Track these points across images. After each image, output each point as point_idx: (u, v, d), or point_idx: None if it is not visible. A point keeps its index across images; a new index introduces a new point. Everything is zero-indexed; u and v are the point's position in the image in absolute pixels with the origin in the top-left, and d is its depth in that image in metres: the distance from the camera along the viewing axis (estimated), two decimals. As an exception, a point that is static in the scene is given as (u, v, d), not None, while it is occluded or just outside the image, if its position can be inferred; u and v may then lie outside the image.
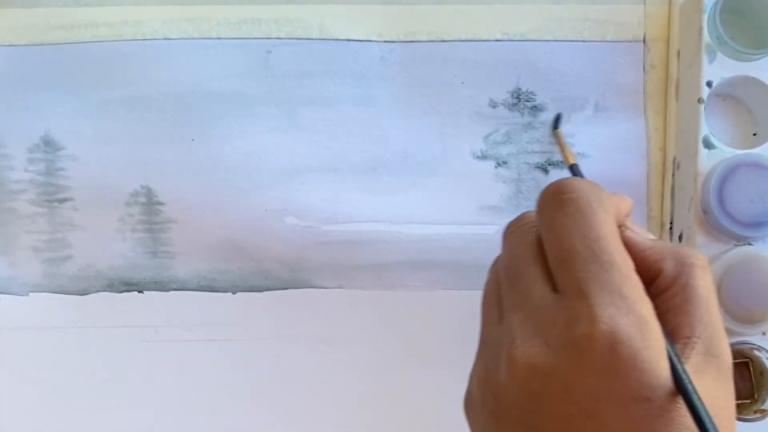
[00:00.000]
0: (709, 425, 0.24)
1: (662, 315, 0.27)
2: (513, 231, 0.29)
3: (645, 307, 0.25)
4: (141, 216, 0.42)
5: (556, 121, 0.41)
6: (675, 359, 0.25)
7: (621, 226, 0.29)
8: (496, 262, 0.30)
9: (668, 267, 0.28)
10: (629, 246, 0.28)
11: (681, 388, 0.24)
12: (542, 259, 0.28)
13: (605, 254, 0.26)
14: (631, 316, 0.25)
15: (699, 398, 0.24)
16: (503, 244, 0.30)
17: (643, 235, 0.29)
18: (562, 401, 0.25)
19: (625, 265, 0.26)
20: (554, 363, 0.25)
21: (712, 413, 0.24)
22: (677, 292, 0.27)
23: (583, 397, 0.24)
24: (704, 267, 0.28)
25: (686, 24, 0.40)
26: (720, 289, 0.37)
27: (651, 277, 0.28)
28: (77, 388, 0.42)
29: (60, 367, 0.42)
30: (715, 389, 0.25)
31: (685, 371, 0.25)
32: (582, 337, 0.25)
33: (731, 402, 0.26)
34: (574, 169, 0.38)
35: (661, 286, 0.28)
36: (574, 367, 0.25)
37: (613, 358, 0.24)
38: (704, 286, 0.27)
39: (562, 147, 0.41)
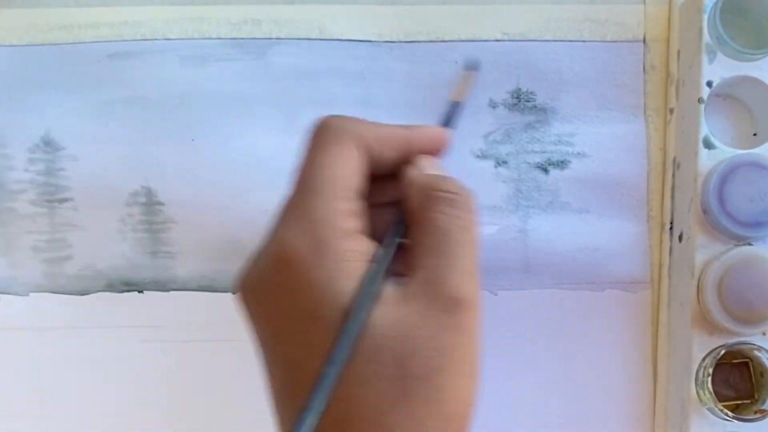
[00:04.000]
0: (337, 349, 0.23)
1: (413, 249, 0.27)
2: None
3: (331, 230, 0.25)
4: (141, 216, 0.42)
5: (473, 64, 0.40)
6: (365, 283, 0.25)
7: (407, 163, 0.29)
8: None
9: (414, 201, 0.28)
10: (403, 183, 0.29)
11: (352, 308, 0.24)
12: None
13: (310, 181, 0.27)
14: (309, 236, 0.25)
15: (358, 317, 0.24)
16: None
17: (425, 170, 0.29)
18: (264, 320, 0.26)
19: (330, 190, 0.26)
20: (257, 283, 0.26)
21: (405, 342, 0.24)
22: (418, 224, 0.27)
23: (275, 315, 0.26)
24: (455, 201, 0.27)
25: (686, 24, 0.40)
26: (720, 289, 0.37)
27: (408, 211, 0.28)
28: (77, 388, 0.42)
29: (60, 367, 0.42)
30: (423, 319, 0.25)
31: (365, 294, 0.24)
32: (268, 255, 0.26)
33: (450, 335, 0.25)
34: (452, 108, 0.35)
35: (410, 220, 0.28)
36: (266, 286, 0.26)
37: (288, 277, 0.25)
38: (445, 218, 0.27)
39: (463, 84, 0.38)
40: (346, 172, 0.27)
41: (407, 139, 0.30)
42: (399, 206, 0.29)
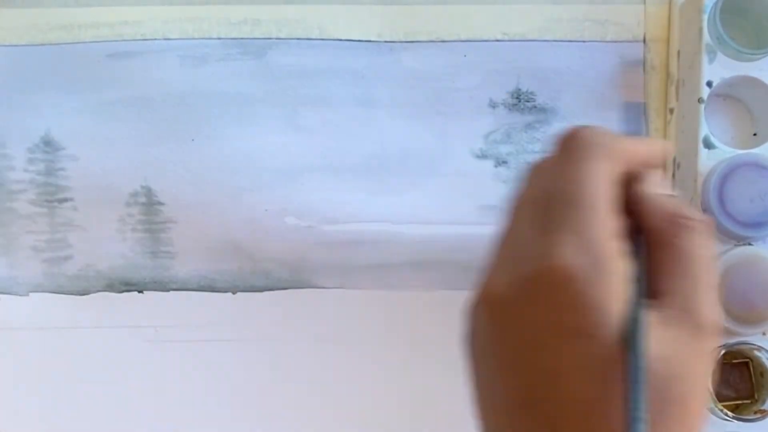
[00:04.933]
0: (639, 375, 0.23)
1: (652, 271, 0.27)
2: (533, 168, 0.30)
3: (607, 249, 0.25)
4: (141, 216, 0.42)
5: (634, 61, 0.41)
6: (633, 306, 0.25)
7: (637, 177, 0.29)
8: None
9: (655, 224, 0.28)
10: (634, 198, 0.29)
11: (628, 331, 0.24)
12: None
13: (580, 196, 0.26)
14: (590, 255, 0.25)
15: (642, 346, 0.24)
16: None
17: (657, 188, 0.29)
18: (517, 332, 0.26)
19: (600, 208, 0.26)
20: (514, 295, 0.26)
21: (666, 365, 0.24)
22: (662, 249, 0.27)
23: (536, 330, 0.25)
24: (699, 231, 0.27)
25: (686, 24, 0.40)
26: (720, 289, 0.37)
27: (647, 227, 0.28)
28: (77, 388, 0.42)
29: (60, 367, 0.42)
30: (679, 343, 0.25)
31: (638, 318, 0.24)
32: (538, 271, 0.25)
33: (700, 361, 0.25)
34: (630, 108, 0.36)
35: (650, 241, 0.28)
36: (530, 300, 0.25)
37: (563, 294, 0.25)
38: (690, 247, 0.27)
39: (632, 84, 0.39)
40: (608, 189, 0.27)
41: (640, 154, 0.29)
42: (634, 221, 0.29)
